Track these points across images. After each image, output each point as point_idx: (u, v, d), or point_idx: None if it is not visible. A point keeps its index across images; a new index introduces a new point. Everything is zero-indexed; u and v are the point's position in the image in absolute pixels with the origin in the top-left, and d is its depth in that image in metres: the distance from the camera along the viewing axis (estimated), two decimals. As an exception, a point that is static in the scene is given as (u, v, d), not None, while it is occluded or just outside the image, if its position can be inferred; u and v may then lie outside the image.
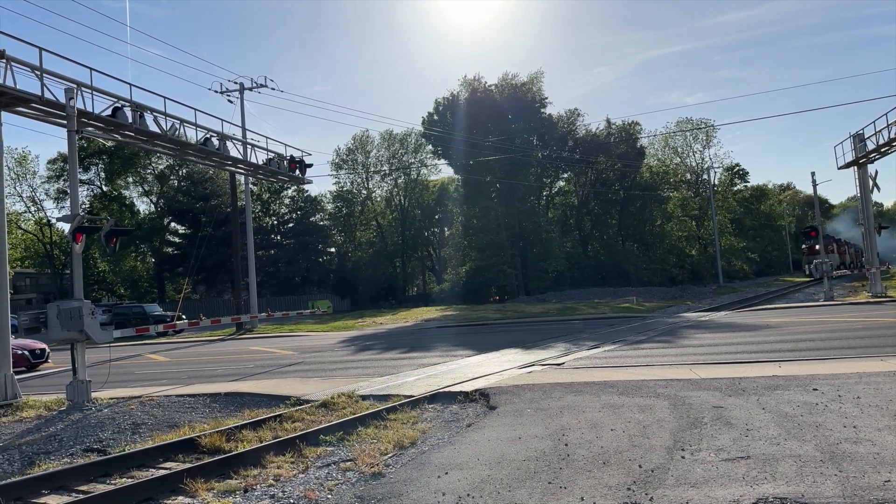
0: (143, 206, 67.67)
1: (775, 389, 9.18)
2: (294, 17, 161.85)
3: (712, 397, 8.93)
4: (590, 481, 5.84)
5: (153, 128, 17.84)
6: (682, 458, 6.32)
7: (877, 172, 30.89)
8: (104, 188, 64.38)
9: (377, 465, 6.95)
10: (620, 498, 5.36)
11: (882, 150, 28.64)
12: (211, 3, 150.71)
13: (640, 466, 6.14)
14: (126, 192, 66.19)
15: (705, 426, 7.44)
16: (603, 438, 7.24)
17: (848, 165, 31.11)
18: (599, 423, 7.99)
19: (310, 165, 26.02)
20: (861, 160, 30.22)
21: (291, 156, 25.26)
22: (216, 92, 37.53)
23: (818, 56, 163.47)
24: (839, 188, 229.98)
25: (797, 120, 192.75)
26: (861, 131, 29.87)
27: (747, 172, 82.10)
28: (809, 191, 38.95)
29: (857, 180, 31.19)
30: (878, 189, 31.12)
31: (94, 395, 13.06)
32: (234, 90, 37.55)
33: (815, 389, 8.97)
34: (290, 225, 68.46)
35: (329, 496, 6.17)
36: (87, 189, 62.89)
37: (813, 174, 33.46)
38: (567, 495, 5.54)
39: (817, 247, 57.22)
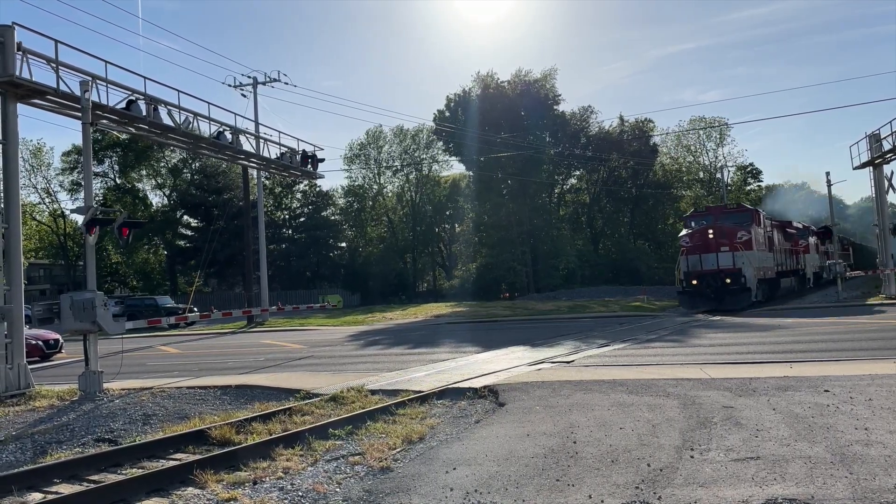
0: (156, 198, 68.18)
1: (786, 390, 9.12)
2: (306, 12, 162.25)
3: (722, 397, 8.89)
4: (598, 479, 5.83)
5: (167, 121, 17.93)
6: (692, 457, 6.30)
7: (892, 173, 30.55)
8: (118, 181, 64.85)
9: (385, 459, 6.97)
10: (629, 496, 5.35)
11: (898, 150, 28.29)
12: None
13: (648, 465, 6.12)
14: (139, 185, 66.70)
15: (715, 426, 7.41)
16: (612, 437, 7.22)
17: (863, 165, 30.80)
18: (608, 421, 7.97)
19: (322, 160, 26.09)
20: (877, 160, 29.91)
21: (304, 150, 25.33)
22: (229, 86, 37.67)
23: (834, 53, 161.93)
24: (854, 188, 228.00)
25: (812, 119, 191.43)
26: (877, 131, 29.55)
27: (760, 171, 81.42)
28: (824, 191, 37.61)
29: (873, 181, 30.89)
30: (894, 190, 30.80)
31: (105, 385, 13.18)
32: (248, 84, 37.67)
33: (827, 391, 8.91)
34: (302, 219, 68.67)
35: (337, 489, 6.20)
36: (101, 181, 63.41)
37: (828, 174, 33.16)
38: (575, 493, 5.54)
39: (712, 234, 27.19)
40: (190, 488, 6.57)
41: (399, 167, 68.20)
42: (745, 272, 26.17)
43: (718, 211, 30.44)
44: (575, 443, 7.08)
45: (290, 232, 68.44)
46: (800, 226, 40.46)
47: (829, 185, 33.37)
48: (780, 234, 33.97)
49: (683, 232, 29.42)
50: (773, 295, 30.84)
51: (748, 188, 77.89)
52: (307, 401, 10.58)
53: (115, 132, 36.31)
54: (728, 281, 26.30)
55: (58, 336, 22.23)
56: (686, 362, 12.78)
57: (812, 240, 41.48)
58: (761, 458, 6.13)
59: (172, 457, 7.98)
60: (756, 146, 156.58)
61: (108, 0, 69.88)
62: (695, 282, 27.14)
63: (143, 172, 65.58)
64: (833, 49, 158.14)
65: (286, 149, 24.73)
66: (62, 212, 65.54)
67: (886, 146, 28.85)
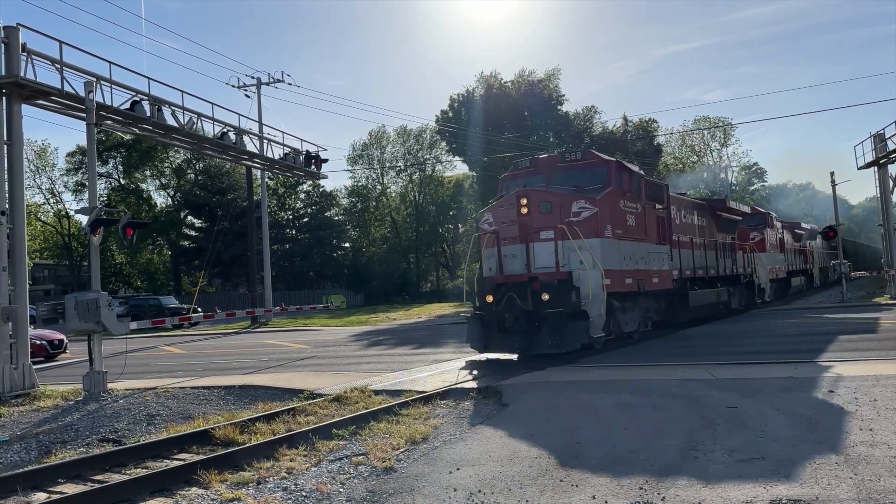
0: (161, 199, 68.44)
1: (791, 391, 9.09)
2: (309, 11, 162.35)
3: (727, 398, 8.86)
4: (602, 480, 5.82)
5: (171, 122, 17.96)
6: (696, 458, 6.29)
7: (898, 173, 30.43)
8: (122, 181, 65.06)
9: (389, 459, 6.97)
10: (632, 497, 5.34)
11: (903, 150, 28.13)
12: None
13: (652, 466, 6.11)
14: (143, 186, 66.95)
15: (719, 426, 7.39)
16: (616, 437, 7.21)
17: (868, 165, 30.69)
18: (612, 421, 7.95)
19: (325, 161, 26.11)
20: (881, 160, 29.81)
21: (307, 151, 25.36)
22: (233, 87, 37.79)
23: (839, 53, 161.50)
24: (859, 188, 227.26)
25: (817, 119, 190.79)
26: (882, 131, 29.45)
27: (765, 171, 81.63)
28: (828, 190, 36.93)
29: (878, 180, 30.79)
30: (899, 189, 30.66)
31: (110, 385, 13.20)
32: (251, 85, 37.77)
33: (832, 391, 8.88)
34: (305, 220, 68.81)
35: (341, 490, 6.20)
36: (106, 182, 63.61)
37: (832, 174, 33.02)
38: (578, 493, 5.53)
39: (527, 207, 13.97)
40: (194, 488, 6.58)
41: (402, 167, 68.29)
42: (580, 280, 13.68)
43: (550, 165, 15.98)
44: (579, 443, 7.07)
45: (293, 232, 68.57)
46: (745, 209, 28.14)
47: (834, 184, 33.24)
48: (704, 219, 22.28)
49: (486, 210, 16.07)
50: (674, 319, 18.93)
51: (752, 188, 77.85)
52: (311, 401, 10.58)
53: (119, 133, 36.42)
54: (545, 297, 13.50)
55: (62, 336, 22.28)
56: (691, 362, 12.74)
57: (773, 232, 30.87)
58: (766, 458, 6.12)
59: (176, 457, 8.00)
60: (761, 146, 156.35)
61: (110, 1, 70.07)
62: (490, 298, 14.20)
63: (147, 173, 65.81)
64: (837, 49, 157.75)
65: (290, 149, 24.76)
66: (67, 212, 65.81)
67: (892, 146, 28.76)
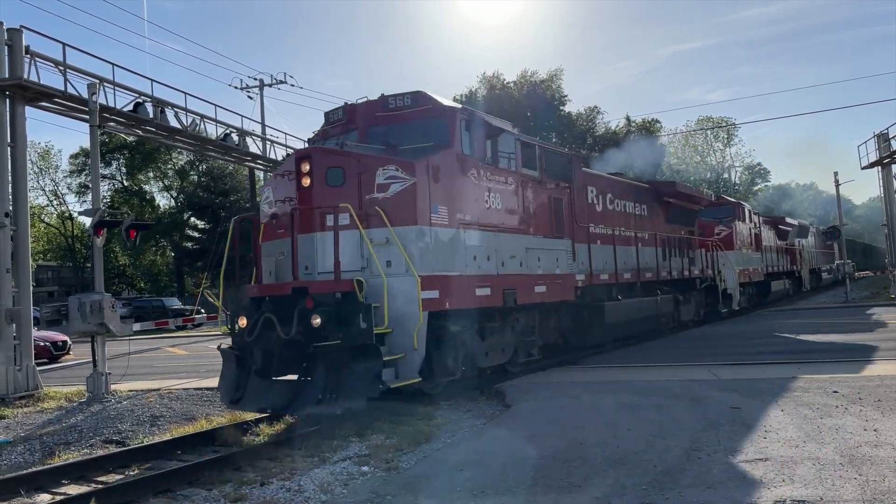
0: (164, 200, 68.42)
1: (794, 391, 9.08)
2: (311, 12, 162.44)
3: (730, 398, 8.85)
4: (605, 481, 5.81)
5: (174, 123, 17.97)
6: (699, 458, 6.27)
7: (901, 172, 30.31)
8: (125, 183, 65.10)
9: (392, 460, 6.97)
10: (636, 498, 5.33)
11: (906, 149, 28.02)
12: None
13: (655, 467, 6.10)
14: (147, 187, 66.96)
15: (723, 427, 7.37)
16: (619, 438, 7.20)
17: (871, 165, 30.62)
18: (616, 422, 7.94)
19: (328, 162, 26.08)
20: (885, 160, 29.72)
21: (310, 152, 25.35)
22: (236, 88, 37.93)
23: (839, 53, 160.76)
24: (862, 188, 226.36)
25: (819, 119, 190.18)
26: (885, 130, 29.37)
27: (768, 171, 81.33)
28: (832, 190, 36.71)
29: (881, 180, 30.72)
30: (903, 189, 30.55)
31: (113, 387, 13.23)
32: (254, 86, 37.87)
33: (836, 392, 8.86)
34: (308, 221, 68.70)
35: (344, 490, 6.20)
36: (109, 183, 63.62)
37: (836, 174, 32.94)
38: (582, 494, 5.52)
39: (309, 177, 8.95)
40: (197, 489, 6.59)
41: (405, 168, 68.34)
42: (375, 293, 8.71)
43: (367, 116, 10.76)
44: (582, 444, 7.05)
45: (296, 233, 68.50)
46: (708, 197, 23.76)
47: (837, 184, 33.17)
48: (645, 206, 17.88)
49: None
50: (582, 341, 14.53)
51: (756, 188, 77.69)
52: (314, 402, 10.56)
53: (122, 134, 36.49)
54: (317, 322, 8.23)
55: (66, 338, 22.33)
56: (694, 363, 12.73)
57: (746, 227, 25.79)
58: (769, 459, 6.10)
59: (180, 458, 8.01)
60: (764, 146, 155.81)
61: (112, 2, 70.30)
62: (243, 322, 8.91)
63: (151, 174, 65.87)
64: (838, 49, 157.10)
65: (292, 150, 24.75)
66: (70, 214, 65.89)
67: (895, 146, 28.68)
